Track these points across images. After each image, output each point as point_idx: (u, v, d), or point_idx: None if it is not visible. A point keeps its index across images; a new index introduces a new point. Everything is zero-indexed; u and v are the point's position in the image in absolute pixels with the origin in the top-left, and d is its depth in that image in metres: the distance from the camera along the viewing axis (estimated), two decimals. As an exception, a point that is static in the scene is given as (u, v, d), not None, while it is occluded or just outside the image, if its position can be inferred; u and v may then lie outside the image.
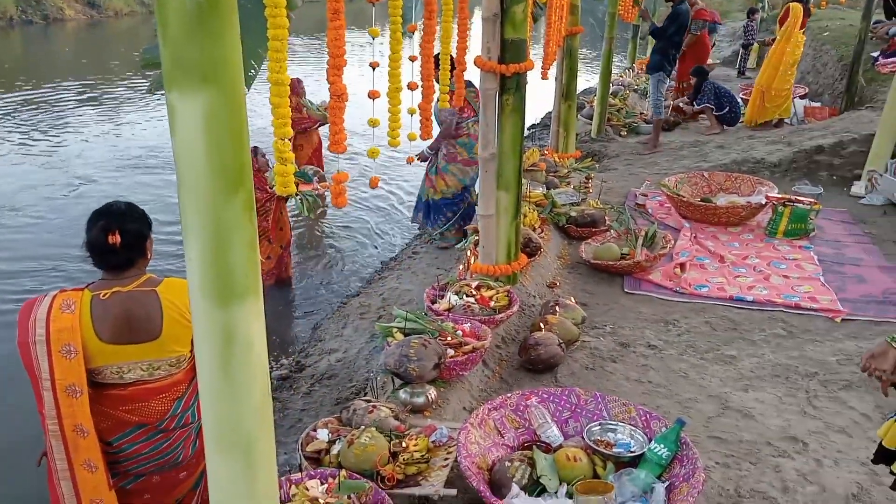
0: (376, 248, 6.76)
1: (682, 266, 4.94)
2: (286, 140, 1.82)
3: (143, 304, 2.14)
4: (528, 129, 11.45)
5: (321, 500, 2.20)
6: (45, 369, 2.03)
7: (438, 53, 3.42)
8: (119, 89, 14.27)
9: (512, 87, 3.91)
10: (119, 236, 2.10)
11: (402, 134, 2.79)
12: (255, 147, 4.91)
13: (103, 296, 2.12)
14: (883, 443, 2.13)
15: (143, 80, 15.20)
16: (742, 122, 9.12)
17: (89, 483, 2.13)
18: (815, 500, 2.62)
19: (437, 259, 5.82)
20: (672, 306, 4.48)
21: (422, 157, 5.74)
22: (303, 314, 5.58)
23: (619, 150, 8.62)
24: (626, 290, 4.71)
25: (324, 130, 7.54)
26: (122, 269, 2.16)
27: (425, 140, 3.63)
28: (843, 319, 4.23)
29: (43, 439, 2.17)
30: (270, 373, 4.66)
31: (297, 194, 5.25)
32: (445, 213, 5.90)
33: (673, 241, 5.19)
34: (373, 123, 2.61)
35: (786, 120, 9.12)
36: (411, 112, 3.05)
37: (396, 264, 6.09)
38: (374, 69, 2.53)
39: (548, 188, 6.00)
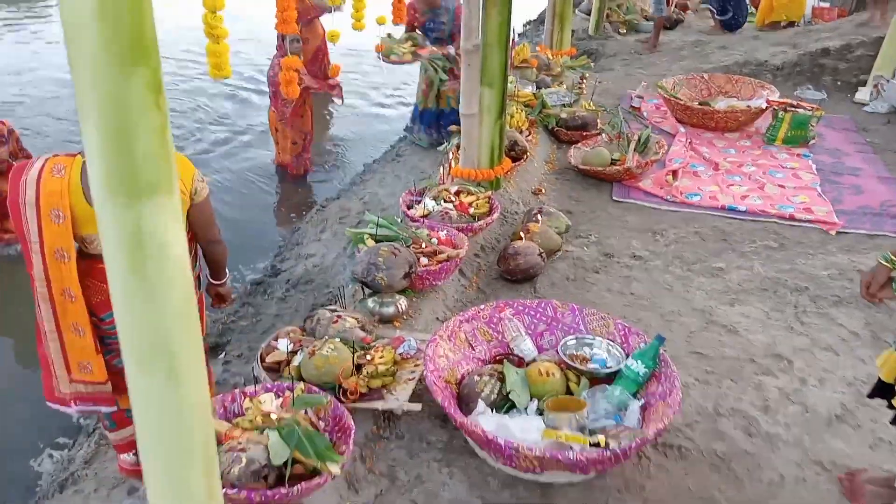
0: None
1: (674, 173, 4.72)
2: (217, 13, 1.55)
3: None
4: (524, 25, 10.89)
5: (273, 416, 2.06)
6: (35, 232, 2.02)
7: None
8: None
9: (499, -29, 3.55)
10: None
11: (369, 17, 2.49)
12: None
13: None
14: (881, 376, 1.99)
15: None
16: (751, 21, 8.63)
17: (77, 345, 2.16)
18: (797, 421, 2.51)
19: (422, 162, 5.55)
20: (661, 215, 4.29)
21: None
22: (284, 215, 5.41)
23: (618, 48, 8.20)
24: (614, 197, 4.50)
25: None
26: None
27: (396, 24, 3.27)
28: (837, 232, 4.06)
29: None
30: (244, 277, 4.52)
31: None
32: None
33: (667, 147, 4.94)
34: (333, 1, 2.32)
35: (797, 24, 8.65)
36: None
37: (379, 167, 5.83)
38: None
39: (538, 87, 5.66)
